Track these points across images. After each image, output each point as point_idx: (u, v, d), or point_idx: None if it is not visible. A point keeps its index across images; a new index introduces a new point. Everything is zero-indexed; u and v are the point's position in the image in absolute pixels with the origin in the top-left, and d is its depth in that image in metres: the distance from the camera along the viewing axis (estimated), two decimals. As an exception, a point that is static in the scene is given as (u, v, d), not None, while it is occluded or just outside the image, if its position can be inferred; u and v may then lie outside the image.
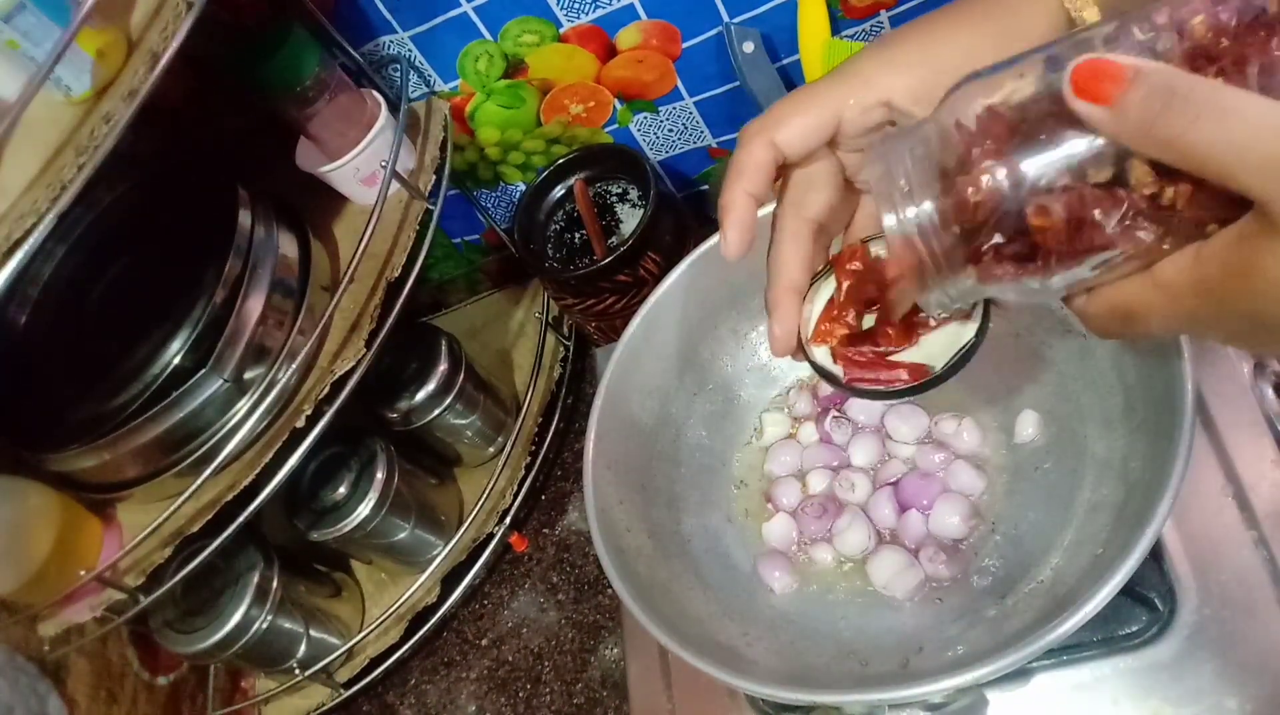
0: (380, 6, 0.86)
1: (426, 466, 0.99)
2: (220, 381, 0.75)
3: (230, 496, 0.77)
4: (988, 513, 0.57)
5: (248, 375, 0.77)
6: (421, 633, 0.97)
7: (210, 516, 0.77)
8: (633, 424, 0.62)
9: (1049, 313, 0.58)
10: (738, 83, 0.89)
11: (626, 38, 0.88)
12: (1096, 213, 0.32)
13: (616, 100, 0.95)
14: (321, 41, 0.83)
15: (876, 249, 0.45)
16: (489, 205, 1.07)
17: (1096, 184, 0.32)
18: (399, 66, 0.90)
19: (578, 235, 0.96)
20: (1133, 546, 0.42)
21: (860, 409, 0.64)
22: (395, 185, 0.84)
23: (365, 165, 0.87)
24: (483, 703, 0.94)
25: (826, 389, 0.64)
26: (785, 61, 0.89)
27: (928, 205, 0.35)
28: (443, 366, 0.94)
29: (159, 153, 0.91)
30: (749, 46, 0.85)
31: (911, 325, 0.44)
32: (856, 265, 0.45)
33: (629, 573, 0.53)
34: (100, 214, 0.87)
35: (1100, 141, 0.32)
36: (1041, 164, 0.32)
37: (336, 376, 0.79)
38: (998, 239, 0.34)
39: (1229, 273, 0.31)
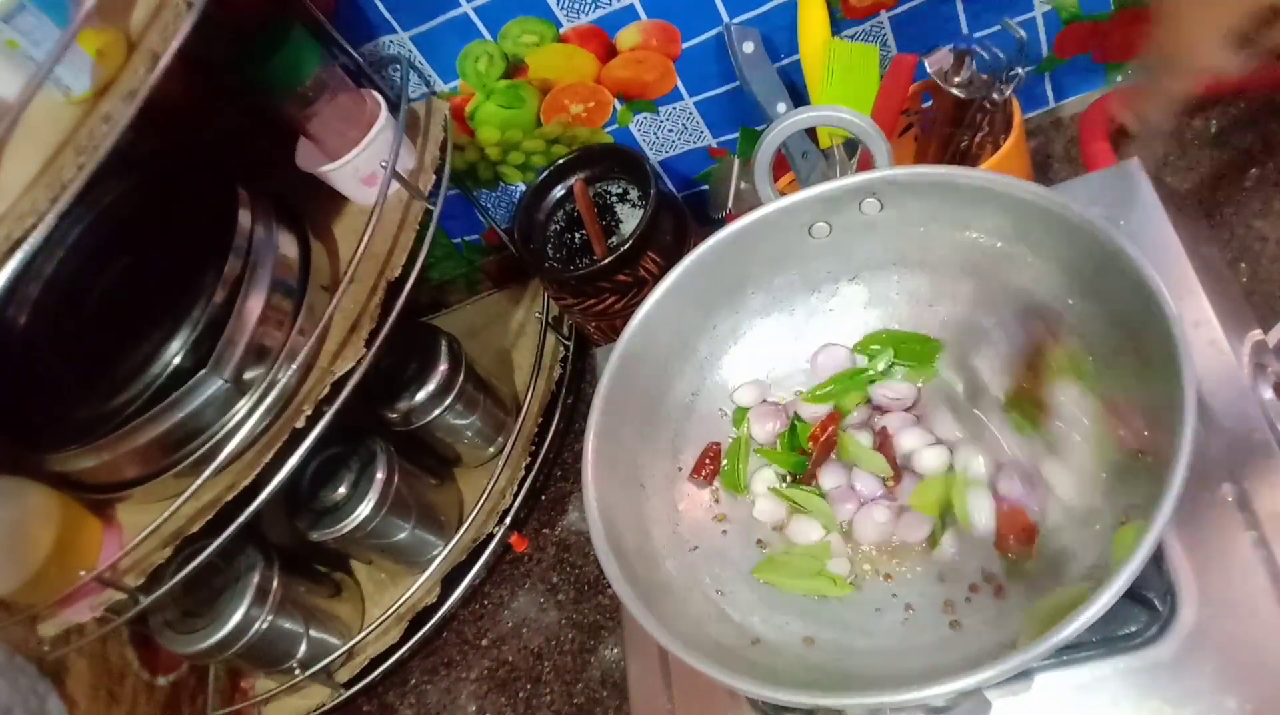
0: (380, 6, 0.86)
1: (426, 466, 0.99)
2: (220, 382, 0.75)
3: (230, 496, 0.77)
4: (988, 513, 0.57)
5: (248, 375, 0.77)
6: (421, 633, 0.97)
7: (210, 516, 0.77)
8: (632, 423, 0.62)
9: (1047, 313, 0.58)
10: (738, 83, 0.89)
11: (626, 38, 0.88)
12: None
13: (616, 100, 0.95)
14: (321, 41, 0.83)
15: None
16: (489, 205, 1.07)
17: None
18: (399, 66, 0.90)
19: (578, 235, 0.96)
20: (1133, 548, 0.42)
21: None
22: (395, 185, 0.84)
23: (365, 165, 0.87)
24: (483, 703, 0.94)
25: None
26: (785, 61, 0.89)
27: None
28: (443, 366, 0.94)
29: (159, 153, 0.91)
30: (749, 46, 0.85)
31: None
32: None
33: (629, 573, 0.53)
34: (100, 214, 0.87)
35: None
36: None
37: (336, 376, 0.79)
38: None
39: None
